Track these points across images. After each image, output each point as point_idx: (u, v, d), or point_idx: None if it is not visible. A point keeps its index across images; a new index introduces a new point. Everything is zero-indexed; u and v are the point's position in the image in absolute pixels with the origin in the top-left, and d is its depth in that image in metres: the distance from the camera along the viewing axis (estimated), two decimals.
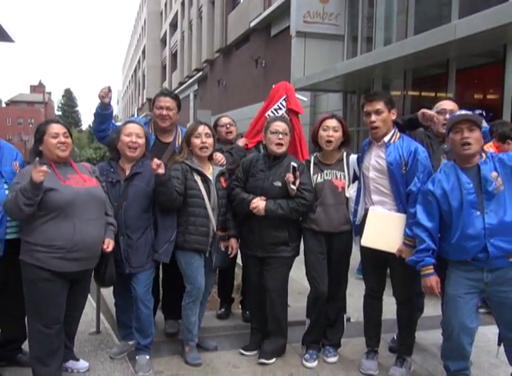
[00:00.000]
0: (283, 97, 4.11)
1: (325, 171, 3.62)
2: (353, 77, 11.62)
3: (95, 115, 3.81)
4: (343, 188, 3.59)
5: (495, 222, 2.84)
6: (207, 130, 3.56)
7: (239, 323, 4.21)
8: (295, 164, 3.45)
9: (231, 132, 4.35)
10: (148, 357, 3.48)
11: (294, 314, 3.94)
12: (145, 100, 48.67)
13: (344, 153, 3.69)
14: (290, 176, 3.40)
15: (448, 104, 3.66)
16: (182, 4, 34.55)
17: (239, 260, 3.96)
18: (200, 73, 29.75)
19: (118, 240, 3.34)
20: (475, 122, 2.95)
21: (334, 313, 3.72)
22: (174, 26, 39.05)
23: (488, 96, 9.43)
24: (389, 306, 3.62)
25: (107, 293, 4.22)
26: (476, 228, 2.86)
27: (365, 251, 3.47)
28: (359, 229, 3.47)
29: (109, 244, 3.18)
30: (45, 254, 2.90)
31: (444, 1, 10.48)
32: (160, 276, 3.98)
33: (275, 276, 3.61)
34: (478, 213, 2.87)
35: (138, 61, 56.97)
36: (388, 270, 3.55)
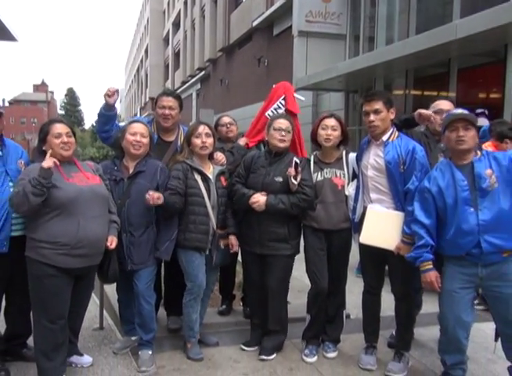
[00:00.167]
0: (282, 97, 4.16)
1: (325, 170, 3.67)
2: (355, 77, 11.66)
3: (99, 115, 3.84)
4: (342, 186, 3.64)
5: (489, 219, 2.90)
6: (207, 130, 3.62)
7: (240, 319, 4.27)
8: (297, 160, 3.51)
9: (231, 131, 4.41)
10: (150, 352, 3.54)
11: (295, 311, 4.00)
12: (147, 99, 48.73)
13: (344, 152, 3.74)
14: (291, 170, 3.45)
15: (444, 104, 3.71)
16: (185, 3, 34.60)
17: (240, 257, 4.02)
18: (203, 72, 29.79)
19: (121, 237, 3.40)
20: (471, 121, 3.01)
21: (334, 309, 3.77)
22: (177, 25, 39.11)
23: (490, 96, 9.46)
24: (388, 303, 3.67)
25: (110, 290, 4.28)
26: (470, 224, 2.92)
27: (364, 249, 3.51)
28: (358, 227, 3.51)
29: (112, 242, 3.24)
30: (50, 250, 2.96)
31: (445, 0, 10.51)
32: (162, 273, 4.03)
33: (275, 274, 3.64)
34: (472, 209, 2.93)
35: (141, 60, 57.04)
36: (387, 267, 3.60)
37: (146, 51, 51.33)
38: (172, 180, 3.50)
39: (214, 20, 26.72)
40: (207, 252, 3.60)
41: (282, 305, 3.74)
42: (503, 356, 3.20)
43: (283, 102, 4.15)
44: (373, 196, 3.45)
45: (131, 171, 3.51)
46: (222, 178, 3.69)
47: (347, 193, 3.64)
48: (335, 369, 3.55)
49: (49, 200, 2.96)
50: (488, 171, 2.96)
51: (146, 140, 3.51)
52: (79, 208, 3.02)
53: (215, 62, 27.57)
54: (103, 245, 3.19)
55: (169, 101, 3.89)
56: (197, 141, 3.59)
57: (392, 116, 3.45)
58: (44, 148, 3.15)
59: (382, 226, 3.36)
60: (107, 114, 3.79)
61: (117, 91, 3.76)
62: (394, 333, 3.84)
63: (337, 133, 3.64)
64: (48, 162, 2.93)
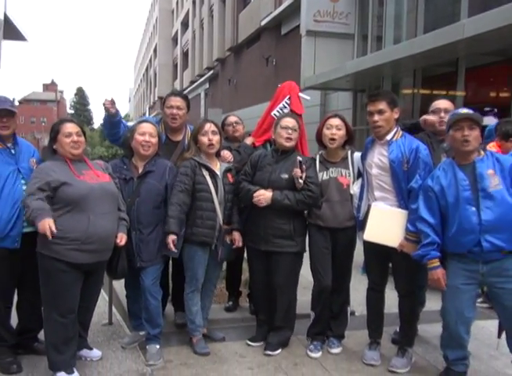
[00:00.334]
0: (288, 96, 4.21)
1: (330, 169, 3.72)
2: (363, 76, 11.65)
3: (105, 123, 3.91)
4: (348, 185, 3.69)
5: (491, 219, 2.94)
6: (213, 128, 3.68)
7: (246, 315, 4.33)
8: (301, 158, 3.57)
9: (238, 131, 4.46)
10: (158, 347, 3.61)
11: (300, 307, 4.03)
12: (156, 98, 48.89)
13: (349, 151, 3.79)
14: (297, 171, 3.50)
15: (442, 103, 3.75)
16: (194, 2, 34.66)
17: (246, 255, 4.08)
18: (211, 71, 29.84)
19: (130, 234, 3.47)
20: (476, 121, 3.04)
21: (338, 306, 3.82)
22: (185, 24, 39.19)
23: (498, 95, 9.44)
24: (392, 300, 3.71)
25: (119, 286, 4.37)
26: (471, 223, 2.96)
27: (368, 246, 3.56)
28: (362, 225, 3.56)
29: (121, 239, 3.32)
30: (61, 246, 3.03)
31: None
32: (170, 270, 4.10)
33: (281, 272, 3.69)
34: (474, 209, 2.97)
35: (150, 59, 57.21)
36: (391, 264, 3.65)
37: (155, 50, 51.47)
38: (180, 176, 3.57)
39: (223, 20, 26.78)
40: (213, 247, 3.66)
41: (289, 302, 3.78)
42: (506, 352, 3.24)
43: (288, 101, 4.19)
44: (377, 194, 3.50)
45: (140, 170, 3.58)
46: (229, 175, 3.75)
47: (352, 191, 3.68)
48: (339, 364, 3.60)
49: (61, 196, 3.05)
50: (490, 171, 3.00)
51: (154, 140, 3.58)
52: (89, 205, 3.10)
53: (223, 61, 27.62)
54: (112, 241, 3.26)
55: (177, 101, 3.96)
56: (204, 139, 3.65)
57: (396, 116, 3.49)
58: (54, 147, 3.24)
59: (386, 224, 3.40)
60: (112, 121, 3.86)
61: (112, 100, 3.77)
62: (398, 329, 3.88)
63: (342, 132, 3.69)
64: (47, 232, 2.88)
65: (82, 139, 3.26)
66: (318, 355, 3.70)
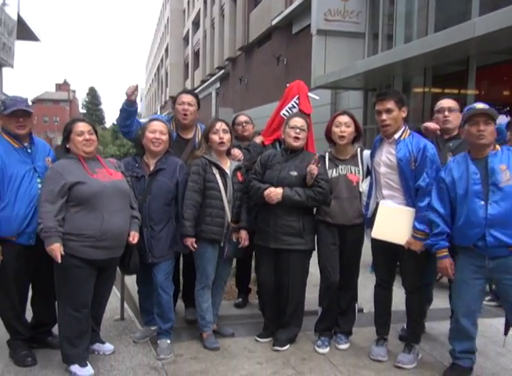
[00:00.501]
0: (296, 96, 4.25)
1: (339, 166, 3.76)
2: (373, 75, 11.66)
3: (121, 111, 4.00)
4: (357, 182, 3.73)
5: (497, 213, 2.97)
6: (224, 126, 3.75)
7: (255, 312, 4.37)
8: (317, 157, 3.64)
9: (247, 130, 4.50)
10: (169, 341, 3.68)
11: (308, 304, 4.06)
12: (168, 98, 49.07)
13: (358, 149, 3.83)
14: (313, 168, 3.55)
15: (446, 102, 3.79)
16: (205, 2, 34.78)
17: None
18: (222, 71, 29.93)
19: (142, 231, 3.54)
20: (491, 116, 3.07)
21: (346, 302, 3.86)
22: (196, 24, 39.32)
23: (509, 93, 9.41)
24: (400, 297, 3.75)
25: (131, 283, 4.44)
26: (478, 216, 3.01)
27: (376, 243, 3.60)
28: (370, 222, 3.60)
29: (134, 237, 3.39)
30: (76, 242, 3.12)
31: None
32: (181, 266, 4.17)
33: (290, 270, 3.72)
34: (482, 203, 3.01)
35: (161, 59, 57.42)
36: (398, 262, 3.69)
37: (167, 50, 51.67)
38: (192, 176, 3.64)
39: (234, 19, 26.84)
40: (222, 244, 3.72)
41: (298, 300, 3.82)
42: None
43: (297, 101, 4.24)
44: (385, 192, 3.54)
45: (151, 168, 3.66)
46: (239, 174, 3.81)
47: (361, 189, 3.73)
48: (346, 360, 3.64)
49: (75, 194, 3.14)
50: (503, 166, 3.02)
51: (165, 137, 3.66)
52: (103, 203, 3.18)
53: (235, 61, 27.70)
54: (125, 238, 3.34)
55: (188, 97, 4.06)
56: (215, 137, 3.72)
57: (404, 115, 3.52)
58: (68, 145, 3.32)
59: (393, 222, 3.44)
60: (129, 110, 3.96)
61: (136, 87, 3.92)
62: (405, 326, 3.92)
63: (351, 130, 3.73)
64: (55, 258, 3.07)
65: (94, 137, 3.35)
66: (325, 350, 3.75)
